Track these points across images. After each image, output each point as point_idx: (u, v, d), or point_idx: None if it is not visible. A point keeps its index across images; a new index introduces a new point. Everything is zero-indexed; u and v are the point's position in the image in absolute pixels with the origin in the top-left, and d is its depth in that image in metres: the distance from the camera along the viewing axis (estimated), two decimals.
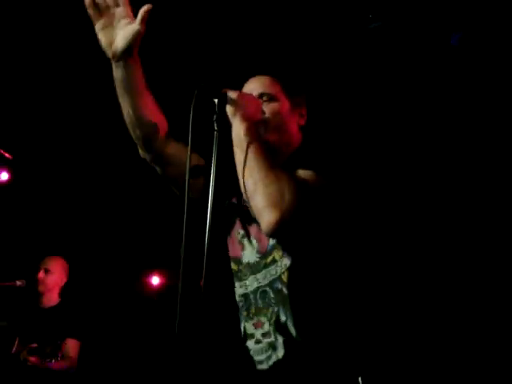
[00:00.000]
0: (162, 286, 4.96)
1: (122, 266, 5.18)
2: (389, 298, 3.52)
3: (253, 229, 1.99)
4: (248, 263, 1.98)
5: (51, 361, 3.87)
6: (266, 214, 1.71)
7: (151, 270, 5.02)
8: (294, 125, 2.09)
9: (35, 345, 3.94)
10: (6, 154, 5.16)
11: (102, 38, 1.92)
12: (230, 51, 3.91)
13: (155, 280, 4.96)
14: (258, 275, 1.94)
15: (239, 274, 2.02)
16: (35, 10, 3.99)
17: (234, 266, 2.06)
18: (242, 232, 2.03)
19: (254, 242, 1.98)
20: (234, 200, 2.10)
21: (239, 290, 2.02)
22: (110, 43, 1.91)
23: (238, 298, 2.03)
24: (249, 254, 1.99)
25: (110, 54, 1.93)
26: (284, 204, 1.69)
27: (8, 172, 5.16)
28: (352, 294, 1.88)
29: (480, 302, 3.74)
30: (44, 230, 5.22)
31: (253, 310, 1.94)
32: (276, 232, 1.73)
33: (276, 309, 1.86)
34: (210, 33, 3.88)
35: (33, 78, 4.74)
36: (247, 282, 1.97)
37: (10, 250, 4.99)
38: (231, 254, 2.07)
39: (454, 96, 3.90)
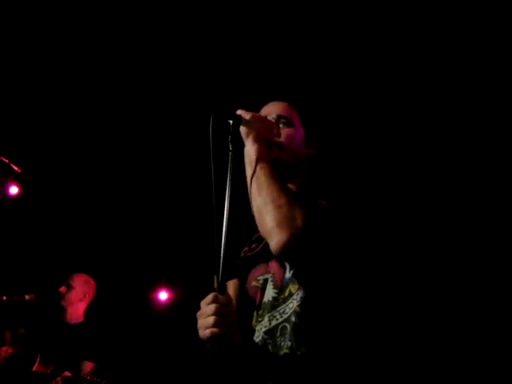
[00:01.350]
0: (169, 302, 4.94)
1: (129, 282, 5.18)
2: (393, 329, 3.52)
3: (269, 266, 1.98)
4: (265, 302, 1.94)
5: None
6: (275, 234, 1.71)
7: (159, 286, 5.00)
8: (305, 153, 2.11)
9: (69, 373, 3.91)
10: (15, 168, 5.19)
11: None
12: (247, 74, 3.97)
13: (163, 295, 4.93)
14: (275, 311, 1.90)
15: (259, 319, 1.95)
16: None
17: (255, 314, 1.99)
18: (261, 278, 1.99)
19: (271, 278, 1.96)
20: (245, 249, 2.11)
21: (256, 334, 1.95)
22: None
23: (257, 339, 1.95)
24: (267, 293, 1.95)
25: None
26: (294, 226, 1.69)
27: (17, 186, 5.17)
28: (361, 326, 1.89)
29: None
30: (53, 243, 5.24)
31: (271, 349, 1.87)
32: (284, 253, 1.73)
33: (290, 343, 1.83)
34: (229, 55, 3.94)
35: (41, 92, 4.79)
36: (264, 322, 1.92)
37: (20, 263, 5.00)
38: (257, 302, 1.99)
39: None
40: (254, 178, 1.82)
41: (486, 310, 3.74)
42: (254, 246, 2.07)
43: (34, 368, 4.06)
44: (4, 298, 4.27)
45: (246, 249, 2.10)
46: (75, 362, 3.93)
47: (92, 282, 4.56)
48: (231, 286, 2.04)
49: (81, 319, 4.41)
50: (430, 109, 3.96)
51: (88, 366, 4.10)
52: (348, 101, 4.04)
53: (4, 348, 4.19)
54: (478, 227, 3.90)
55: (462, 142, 3.94)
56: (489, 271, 3.81)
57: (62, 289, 4.39)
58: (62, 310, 4.38)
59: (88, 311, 4.46)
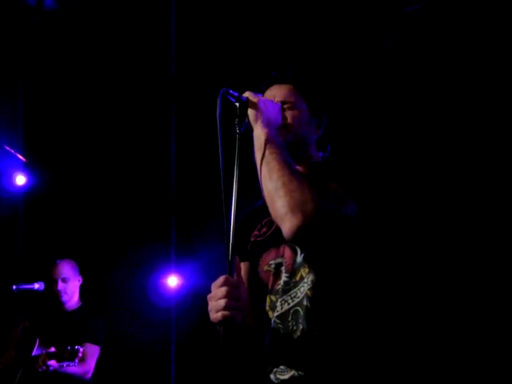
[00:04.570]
0: (179, 288, 4.94)
1: (138, 266, 5.20)
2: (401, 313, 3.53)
3: (280, 250, 1.99)
4: (278, 287, 1.96)
5: (69, 365, 3.88)
6: (287, 219, 1.71)
7: (168, 271, 5.00)
8: (312, 134, 2.11)
9: (53, 349, 3.97)
10: (21, 157, 5.20)
11: None
12: (251, 57, 3.95)
13: (172, 281, 4.93)
14: (287, 295, 1.92)
15: (273, 304, 1.97)
16: None
17: (268, 299, 2.01)
18: (273, 262, 1.99)
19: (283, 262, 1.96)
20: (256, 233, 2.10)
21: (270, 319, 1.97)
22: None
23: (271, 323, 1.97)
24: (279, 278, 1.96)
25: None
26: (306, 211, 1.69)
27: (24, 175, 5.18)
28: (371, 308, 1.91)
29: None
30: (60, 232, 5.25)
31: (283, 333, 1.90)
32: (297, 237, 1.74)
33: (302, 327, 1.86)
34: (234, 38, 3.92)
35: (47, 82, 4.80)
36: (277, 307, 1.94)
37: (28, 252, 5.02)
38: (269, 287, 2.00)
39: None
40: (264, 163, 1.82)
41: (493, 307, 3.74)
42: (264, 230, 2.07)
43: (33, 353, 4.11)
44: (14, 287, 4.31)
45: (256, 233, 2.10)
46: (74, 345, 3.95)
47: (75, 263, 4.54)
48: (243, 270, 2.04)
49: (77, 305, 4.46)
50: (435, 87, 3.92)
51: (90, 348, 4.14)
52: (355, 79, 4.01)
53: (7, 354, 4.26)
54: (484, 223, 3.88)
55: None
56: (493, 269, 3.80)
57: (60, 286, 4.36)
58: (62, 303, 4.41)
59: (96, 297, 4.51)
